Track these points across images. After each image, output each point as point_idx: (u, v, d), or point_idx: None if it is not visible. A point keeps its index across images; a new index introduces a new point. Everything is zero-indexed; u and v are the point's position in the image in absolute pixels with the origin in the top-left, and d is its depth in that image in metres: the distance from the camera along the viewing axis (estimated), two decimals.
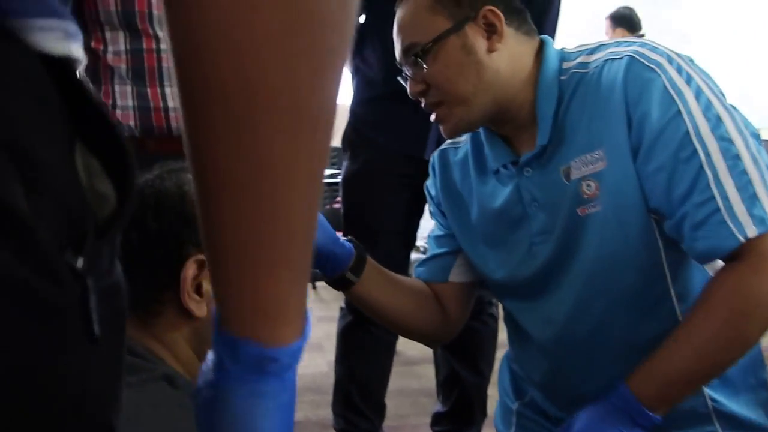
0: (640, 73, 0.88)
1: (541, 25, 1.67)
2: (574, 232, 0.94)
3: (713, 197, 0.82)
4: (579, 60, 0.97)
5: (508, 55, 0.96)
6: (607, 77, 0.91)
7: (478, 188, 1.06)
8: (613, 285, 0.93)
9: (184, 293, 0.76)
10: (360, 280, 1.01)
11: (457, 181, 1.09)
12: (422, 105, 1.00)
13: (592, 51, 0.97)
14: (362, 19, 1.63)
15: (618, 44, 0.95)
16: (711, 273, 0.92)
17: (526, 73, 0.97)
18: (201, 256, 0.76)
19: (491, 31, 0.95)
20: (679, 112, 0.85)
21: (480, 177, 1.06)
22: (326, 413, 1.91)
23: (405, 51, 0.98)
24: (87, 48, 1.42)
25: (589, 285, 0.95)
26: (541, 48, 0.99)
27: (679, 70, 0.88)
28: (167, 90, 1.42)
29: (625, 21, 4.17)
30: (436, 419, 1.86)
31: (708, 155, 0.82)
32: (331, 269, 0.99)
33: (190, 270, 0.76)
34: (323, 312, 3.25)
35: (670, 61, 0.88)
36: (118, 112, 1.42)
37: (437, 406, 1.87)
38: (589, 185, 0.92)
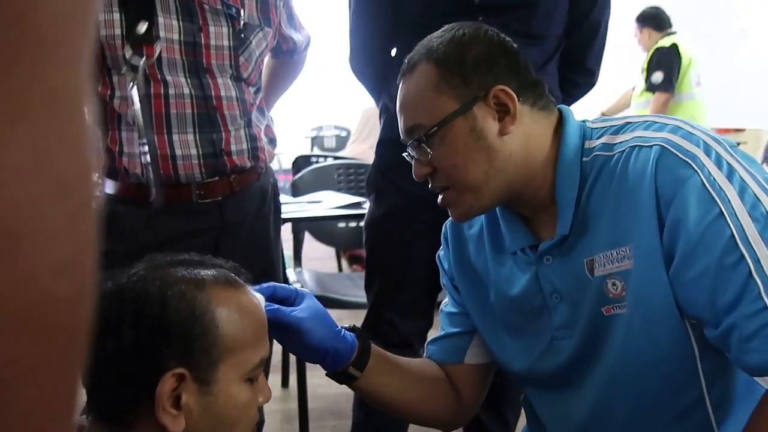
0: (673, 169, 0.79)
1: (585, 56, 1.58)
2: (599, 330, 0.87)
3: (766, 308, 0.74)
4: (603, 140, 0.88)
5: (523, 136, 0.88)
6: (634, 167, 0.83)
7: (495, 270, 0.98)
8: (638, 390, 0.86)
9: (159, 408, 0.71)
10: (363, 374, 0.94)
11: (472, 257, 1.01)
12: (429, 186, 0.92)
13: (617, 130, 0.88)
14: (392, 52, 1.56)
15: (647, 125, 0.86)
16: (762, 383, 0.84)
17: (543, 154, 0.89)
18: (180, 370, 0.71)
19: (503, 112, 0.87)
20: (720, 213, 0.76)
21: (496, 257, 0.98)
22: None
23: (408, 132, 0.91)
24: (94, 93, 1.37)
25: (611, 388, 0.88)
26: (560, 122, 0.91)
27: (719, 162, 0.79)
28: (175, 138, 1.36)
29: (651, 20, 4.01)
30: None
31: (757, 261, 0.74)
32: (331, 364, 0.92)
33: (166, 385, 0.71)
34: None
35: (708, 152, 0.79)
36: (125, 159, 1.37)
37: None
38: (614, 284, 0.84)
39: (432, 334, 1.16)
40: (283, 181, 5.73)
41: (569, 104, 1.68)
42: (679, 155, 0.80)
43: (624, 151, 0.85)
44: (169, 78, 1.35)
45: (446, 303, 1.08)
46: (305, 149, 7.04)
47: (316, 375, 2.69)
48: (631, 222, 0.83)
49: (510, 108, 0.86)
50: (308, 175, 2.66)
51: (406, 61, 0.92)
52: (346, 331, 0.95)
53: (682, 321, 0.82)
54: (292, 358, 2.35)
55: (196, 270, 0.78)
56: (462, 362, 1.04)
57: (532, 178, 0.89)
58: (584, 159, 0.88)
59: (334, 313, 2.32)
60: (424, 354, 1.08)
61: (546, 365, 0.93)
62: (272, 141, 1.58)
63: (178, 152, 1.36)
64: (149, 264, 0.79)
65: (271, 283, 0.91)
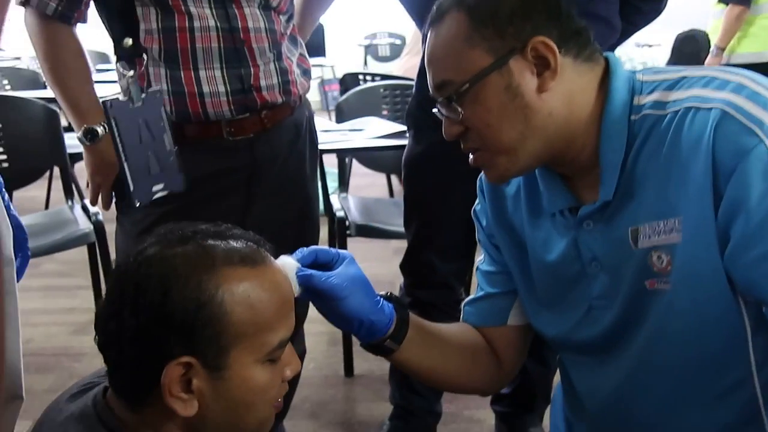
0: (735, 137, 0.70)
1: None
2: (640, 304, 0.80)
3: None
4: (654, 97, 0.78)
5: (564, 92, 0.78)
6: (689, 133, 0.73)
7: (531, 233, 0.91)
8: (676, 368, 0.81)
9: (166, 394, 0.68)
10: (401, 347, 0.89)
11: (511, 215, 0.94)
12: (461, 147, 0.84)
13: (672, 85, 0.78)
14: None
15: (707, 82, 0.75)
16: None
17: (587, 111, 0.80)
18: (185, 359, 0.68)
19: (542, 66, 0.77)
20: None
21: (532, 219, 0.90)
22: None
23: (437, 88, 0.82)
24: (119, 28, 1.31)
25: (647, 363, 0.82)
26: (607, 74, 0.81)
27: None
28: (201, 74, 1.30)
29: None
30: (497, 398, 1.79)
31: None
32: (366, 335, 0.87)
33: (172, 374, 0.68)
34: None
35: None
36: None
37: None
38: (660, 258, 0.77)
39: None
40: (335, 91, 5.61)
41: (631, 33, 1.57)
42: (743, 120, 0.70)
43: (678, 111, 0.76)
44: (193, 9, 1.28)
45: (482, 261, 1.02)
46: (358, 58, 6.88)
47: None
48: (682, 193, 0.75)
49: (550, 62, 0.77)
50: (353, 98, 2.57)
51: (435, 7, 0.83)
52: (384, 301, 0.89)
53: (735, 300, 0.76)
54: None
55: (209, 246, 0.72)
56: (505, 324, 0.98)
57: (574, 138, 0.80)
58: (632, 117, 0.79)
59: (378, 243, 2.29)
60: (461, 316, 1.02)
61: (582, 334, 0.88)
62: (306, 72, 1.50)
63: (205, 89, 1.31)
64: (160, 238, 0.73)
65: (313, 248, 0.85)
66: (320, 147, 1.93)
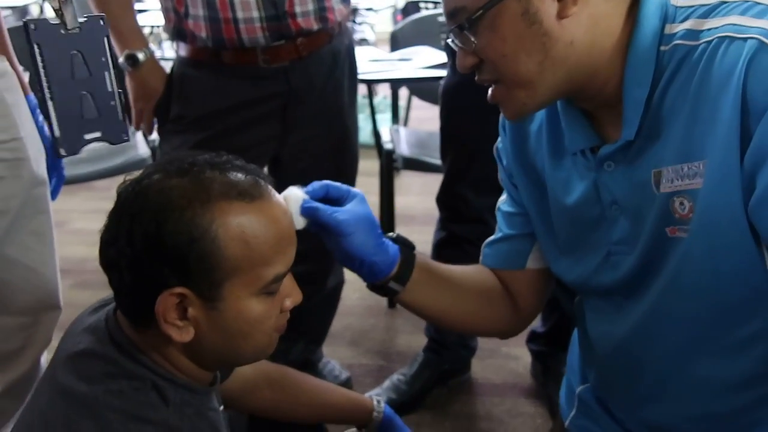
0: None
1: None
2: (660, 251, 0.76)
3: None
4: (687, 25, 0.71)
5: (588, 18, 0.72)
6: (720, 65, 0.67)
7: (551, 173, 0.86)
8: (689, 319, 0.77)
9: (161, 321, 0.70)
10: (406, 288, 0.87)
11: (533, 154, 0.89)
12: (475, 78, 0.80)
13: (708, 12, 0.71)
14: None
15: (747, 8, 0.68)
16: None
17: (613, 40, 0.73)
18: (179, 290, 0.69)
19: None
20: None
21: (553, 159, 0.85)
22: None
23: (450, 15, 0.76)
24: None
25: (661, 312, 0.79)
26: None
27: None
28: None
29: None
30: (532, 337, 1.79)
31: None
32: (368, 275, 0.85)
33: (167, 302, 0.70)
34: None
35: None
36: (190, 22, 1.33)
37: (536, 324, 1.79)
38: (682, 204, 0.72)
39: None
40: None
41: None
42: None
43: (711, 41, 0.68)
44: None
45: (504, 200, 0.98)
46: None
47: (414, 231, 2.79)
48: (710, 133, 0.69)
49: None
50: (409, 27, 2.50)
51: None
52: (390, 242, 0.86)
53: (758, 252, 0.70)
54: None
55: (207, 179, 0.71)
56: (524, 268, 0.94)
57: (597, 69, 0.74)
58: (662, 48, 0.72)
59: (433, 178, 2.27)
60: (480, 258, 0.99)
61: (601, 279, 0.84)
62: None
63: (239, 14, 1.30)
64: (159, 167, 0.73)
65: (325, 183, 0.83)
66: (363, 77, 1.91)
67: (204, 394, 0.80)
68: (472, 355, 1.80)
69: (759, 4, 0.68)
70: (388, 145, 2.15)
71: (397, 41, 2.44)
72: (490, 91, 0.79)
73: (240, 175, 0.73)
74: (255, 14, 1.31)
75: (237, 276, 0.71)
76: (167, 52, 3.77)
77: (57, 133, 0.67)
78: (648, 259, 0.78)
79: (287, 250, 0.75)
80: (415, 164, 2.13)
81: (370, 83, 2.20)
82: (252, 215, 0.71)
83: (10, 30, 1.20)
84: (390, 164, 2.13)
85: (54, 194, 1.32)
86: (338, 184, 0.84)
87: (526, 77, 0.74)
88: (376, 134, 2.25)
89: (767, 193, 0.65)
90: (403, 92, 3.01)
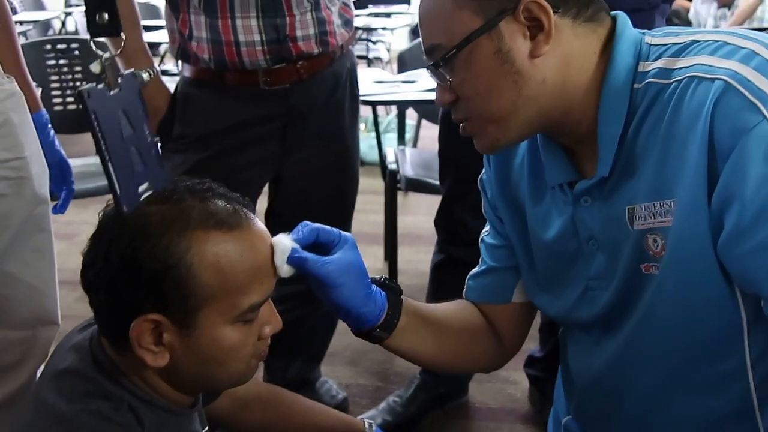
0: (736, 112, 0.63)
1: None
2: (635, 287, 0.76)
3: None
4: (660, 63, 0.72)
5: (560, 57, 0.73)
6: (689, 105, 0.67)
7: (532, 207, 0.86)
8: (665, 356, 0.77)
9: (135, 346, 0.71)
10: (393, 335, 0.86)
11: (515, 186, 0.89)
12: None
13: (680, 51, 0.71)
14: None
15: (716, 48, 0.68)
16: None
17: (586, 78, 0.74)
18: (153, 316, 0.70)
19: (536, 29, 0.71)
20: None
21: (534, 193, 0.86)
22: None
23: (427, 52, 0.77)
24: None
25: (635, 348, 0.79)
26: (613, 36, 0.74)
27: None
28: (238, 22, 1.32)
29: None
30: (530, 361, 1.78)
31: None
32: (355, 324, 0.84)
33: (141, 328, 0.70)
34: None
35: None
36: (194, 44, 1.36)
37: (534, 348, 1.78)
38: (655, 241, 0.72)
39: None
40: None
41: None
42: (747, 94, 0.63)
43: (682, 80, 0.69)
44: None
45: (487, 232, 0.97)
46: None
47: (420, 251, 2.79)
48: (678, 172, 0.69)
49: (544, 23, 0.71)
50: (417, 48, 2.52)
51: None
52: (377, 289, 0.85)
53: (730, 291, 0.70)
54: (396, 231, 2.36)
55: (187, 206, 0.71)
56: (509, 302, 0.94)
57: (571, 107, 0.75)
58: (636, 86, 0.73)
59: (433, 198, 2.28)
60: (464, 290, 0.99)
61: (580, 314, 0.84)
62: (348, 23, 1.49)
63: (241, 38, 1.33)
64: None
65: (315, 227, 0.81)
66: (367, 99, 1.93)
67: (184, 416, 0.81)
68: (469, 379, 1.79)
69: (728, 44, 0.69)
70: (392, 166, 2.17)
71: (404, 62, 2.46)
72: (462, 125, 0.79)
73: (220, 204, 0.74)
74: (257, 38, 1.33)
75: (212, 304, 0.71)
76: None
77: (118, 191, 0.71)
78: (624, 294, 0.78)
79: (264, 280, 0.75)
80: (418, 185, 2.14)
81: (374, 104, 2.22)
82: (229, 244, 0.72)
83: (32, 44, 1.23)
84: (394, 185, 2.14)
85: (63, 208, 1.34)
86: (329, 228, 0.82)
87: (498, 114, 0.75)
88: (381, 154, 2.27)
89: (734, 234, 0.65)
90: (413, 113, 3.03)
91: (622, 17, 0.77)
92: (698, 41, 0.71)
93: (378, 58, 5.13)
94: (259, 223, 0.77)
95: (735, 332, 0.72)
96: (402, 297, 0.88)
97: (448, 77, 0.75)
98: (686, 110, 0.68)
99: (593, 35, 0.75)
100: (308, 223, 0.81)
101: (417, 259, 2.60)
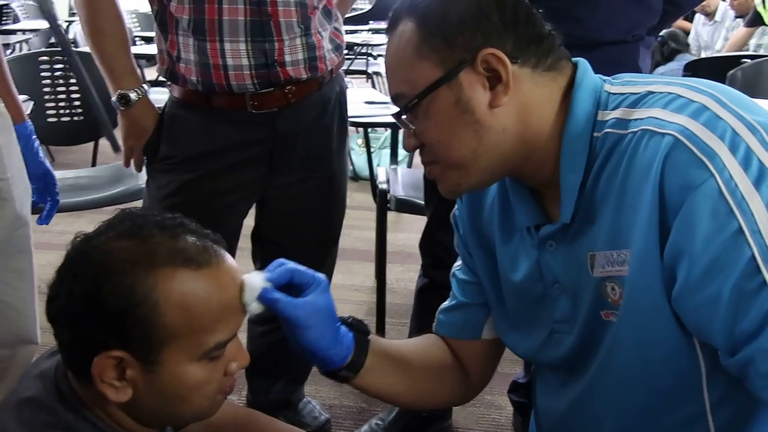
0: (684, 169, 0.64)
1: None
2: (596, 333, 0.77)
3: None
4: (618, 114, 0.73)
5: (520, 106, 0.74)
6: (642, 159, 0.68)
7: (501, 247, 0.87)
8: (625, 401, 0.77)
9: (97, 381, 0.71)
10: (359, 375, 0.87)
11: (486, 225, 0.90)
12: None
13: (636, 102, 0.72)
14: None
15: (669, 101, 0.69)
16: None
17: (548, 125, 0.75)
18: (116, 353, 0.70)
19: (495, 79, 0.73)
20: (740, 230, 0.62)
21: (503, 233, 0.86)
22: None
23: (393, 100, 0.79)
24: None
25: (596, 393, 0.79)
26: (573, 84, 0.75)
27: (747, 161, 0.63)
28: (227, 46, 1.33)
29: None
30: (514, 387, 1.77)
31: None
32: (321, 365, 0.85)
33: (103, 363, 0.70)
34: None
35: (735, 146, 0.63)
36: (182, 66, 1.36)
37: (518, 374, 1.78)
38: (614, 289, 0.73)
39: None
40: None
41: (676, 17, 1.46)
42: (695, 151, 0.64)
43: (636, 133, 0.70)
44: None
45: (459, 267, 0.98)
46: None
47: (411, 269, 2.78)
48: (632, 223, 0.70)
49: (502, 75, 0.72)
50: None
51: (390, 13, 0.79)
52: (345, 329, 0.85)
53: (687, 339, 0.71)
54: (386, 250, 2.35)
55: (155, 243, 0.71)
56: (479, 338, 0.95)
57: (533, 153, 0.76)
58: (595, 134, 0.74)
59: (422, 217, 2.27)
60: (434, 324, 1.00)
61: (546, 356, 0.85)
62: (338, 48, 1.50)
63: (229, 62, 1.33)
64: (111, 226, 0.74)
65: (289, 268, 0.81)
66: (357, 120, 1.94)
67: None
68: (452, 406, 1.79)
69: (680, 97, 0.70)
70: (383, 185, 2.17)
71: None
72: (425, 168, 0.81)
73: (190, 240, 0.73)
74: (245, 62, 1.34)
75: (176, 342, 0.71)
76: None
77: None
78: (586, 339, 0.79)
79: (231, 319, 0.75)
80: (407, 206, 2.14)
81: (365, 126, 2.23)
82: (197, 283, 0.72)
83: (27, 56, 1.24)
84: (384, 204, 2.15)
85: (48, 219, 1.35)
86: (303, 269, 0.82)
87: (460, 161, 0.76)
88: (372, 174, 2.28)
89: (686, 287, 0.66)
90: None
91: (583, 64, 0.78)
92: (653, 92, 0.72)
93: (377, 73, 5.15)
94: (230, 260, 0.77)
95: (694, 378, 0.73)
96: (369, 337, 0.89)
97: (411, 125, 0.77)
98: (639, 163, 0.69)
99: (553, 84, 0.76)
100: (284, 261, 0.82)
101: (407, 277, 2.60)
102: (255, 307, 0.78)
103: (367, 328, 0.89)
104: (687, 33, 4.77)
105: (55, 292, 0.73)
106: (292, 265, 0.82)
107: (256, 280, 0.78)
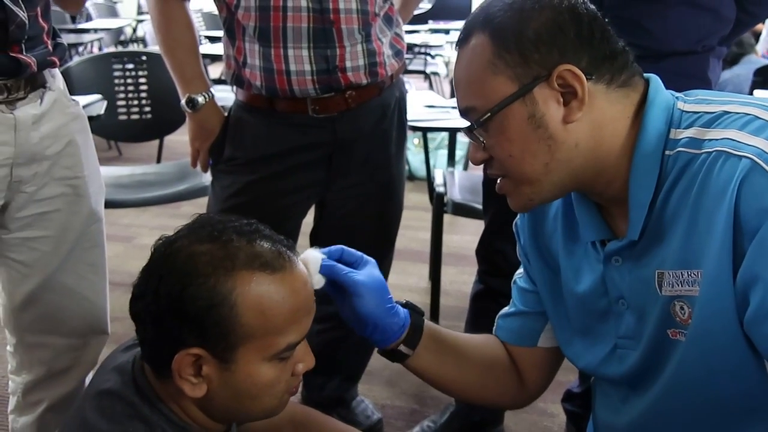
0: (762, 192, 0.64)
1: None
2: (661, 351, 0.77)
3: None
4: (691, 133, 0.72)
5: (593, 122, 0.74)
6: (717, 181, 0.67)
7: (565, 259, 0.87)
8: (691, 419, 0.77)
9: (176, 377, 0.75)
10: (415, 353, 0.90)
11: (548, 237, 0.90)
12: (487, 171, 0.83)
13: (710, 122, 0.71)
14: None
15: (746, 123, 0.68)
16: None
17: (619, 142, 0.75)
18: (195, 350, 0.74)
19: (569, 95, 0.73)
20: None
21: (567, 246, 0.87)
22: None
23: (462, 113, 0.80)
24: (223, 2, 1.40)
25: (662, 409, 0.79)
26: (645, 100, 0.75)
27: None
28: (290, 52, 1.36)
29: None
30: (568, 396, 1.76)
31: None
32: (380, 340, 0.88)
33: (182, 360, 0.74)
34: None
35: None
36: (247, 71, 1.41)
37: (573, 384, 1.76)
38: (683, 309, 0.73)
39: None
40: None
41: (750, 25, 1.42)
42: None
43: (711, 153, 0.69)
44: None
45: (520, 275, 0.99)
46: None
47: (465, 272, 2.78)
48: (705, 244, 0.69)
49: (578, 91, 0.73)
50: None
51: (463, 27, 0.80)
52: (400, 308, 0.89)
53: (756, 358, 0.70)
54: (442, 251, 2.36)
55: (234, 247, 0.75)
56: (534, 346, 0.96)
57: (603, 170, 0.76)
58: (667, 152, 0.73)
59: (475, 223, 2.28)
60: (494, 328, 1.01)
61: (608, 370, 0.85)
62: (398, 53, 1.52)
63: (292, 67, 1.37)
64: (192, 230, 0.78)
65: (340, 246, 0.87)
66: (416, 124, 1.95)
67: None
68: (505, 409, 1.78)
69: (758, 119, 0.68)
70: (440, 188, 2.18)
71: None
72: (498, 182, 0.81)
73: (266, 245, 0.77)
74: (307, 68, 1.37)
75: (250, 342, 0.75)
76: None
77: None
78: (650, 357, 0.78)
79: (303, 321, 0.79)
80: (464, 210, 2.14)
81: (424, 131, 2.24)
82: (272, 286, 0.75)
83: (100, 57, 1.26)
84: (440, 207, 2.15)
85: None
86: (352, 250, 0.88)
87: (532, 176, 0.76)
88: (429, 177, 2.28)
89: (760, 313, 0.65)
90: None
91: (655, 81, 0.77)
92: (729, 113, 0.71)
93: (435, 73, 5.15)
94: (301, 266, 0.81)
95: (762, 399, 0.72)
96: (424, 318, 0.91)
97: (482, 139, 0.77)
98: (714, 185, 0.68)
99: (626, 100, 0.75)
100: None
101: (461, 280, 2.60)
102: (318, 280, 0.83)
103: (421, 309, 0.92)
104: (757, 35, 4.57)
105: (140, 292, 0.77)
106: (341, 245, 0.88)
107: (315, 254, 0.85)
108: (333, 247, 0.87)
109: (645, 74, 0.78)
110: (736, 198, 0.65)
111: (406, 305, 0.91)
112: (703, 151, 0.70)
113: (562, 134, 0.74)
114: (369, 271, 0.86)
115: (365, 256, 0.88)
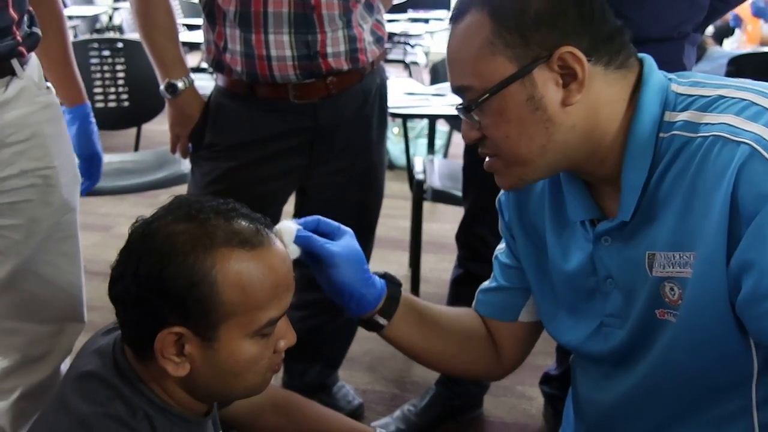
0: (759, 179, 0.65)
1: None
2: (649, 331, 0.78)
3: None
4: (686, 116, 0.72)
5: (591, 105, 0.74)
6: (714, 165, 0.68)
7: (552, 238, 0.88)
8: (675, 396, 0.79)
9: (158, 356, 0.76)
10: (391, 322, 0.91)
11: (533, 214, 0.91)
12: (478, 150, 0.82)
13: (707, 106, 0.72)
14: None
15: (743, 108, 0.69)
16: None
17: (615, 124, 0.75)
18: (177, 329, 0.74)
19: (569, 77, 0.72)
20: None
21: (555, 224, 0.87)
22: None
23: (456, 91, 0.79)
24: None
25: (647, 387, 0.81)
26: (640, 81, 0.75)
27: None
28: (271, 38, 1.36)
29: None
30: (546, 378, 1.79)
31: None
32: (356, 309, 0.90)
33: (165, 339, 0.75)
34: None
35: None
36: (228, 56, 1.40)
37: (550, 367, 1.79)
38: (672, 290, 0.74)
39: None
40: None
41: (723, 12, 1.44)
42: None
43: (707, 138, 0.70)
44: None
45: (501, 250, 0.99)
46: None
47: (445, 259, 2.80)
48: (699, 227, 0.70)
49: (578, 73, 0.72)
50: None
51: (457, 2, 0.79)
52: (377, 278, 0.91)
53: (744, 341, 0.72)
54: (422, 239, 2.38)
55: (212, 226, 0.76)
56: (515, 321, 0.97)
57: (596, 150, 0.76)
58: (661, 135, 0.74)
59: (457, 207, 2.30)
60: (473, 303, 1.02)
61: (592, 348, 0.86)
62: (379, 40, 1.52)
63: (273, 53, 1.36)
64: (170, 211, 0.78)
65: (316, 217, 0.89)
66: (396, 111, 1.96)
67: (197, 424, 0.85)
68: (484, 392, 1.81)
69: (755, 104, 0.69)
70: (419, 176, 2.19)
71: (438, 74, 2.48)
72: (487, 159, 0.81)
73: (244, 223, 0.78)
74: (288, 53, 1.37)
75: (232, 319, 0.75)
76: None
77: None
78: (637, 336, 0.80)
79: (282, 297, 0.79)
80: (443, 197, 2.16)
81: (403, 117, 2.25)
82: (251, 263, 0.76)
83: (78, 43, 1.27)
84: (420, 194, 2.17)
85: (84, 191, 1.39)
86: (328, 220, 0.90)
87: (527, 157, 0.76)
88: (409, 164, 2.30)
89: (753, 297, 0.66)
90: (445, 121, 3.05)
91: (649, 61, 0.78)
92: (725, 97, 0.72)
93: (415, 63, 5.15)
94: (278, 243, 0.81)
95: (745, 377, 0.74)
96: (401, 289, 0.93)
97: (477, 118, 0.77)
98: (711, 169, 0.69)
99: (623, 81, 0.76)
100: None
101: (441, 267, 2.62)
102: (293, 250, 0.84)
103: (398, 280, 0.93)
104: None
105: (119, 273, 0.77)
106: (317, 216, 0.89)
107: (289, 225, 0.86)
108: (309, 218, 0.88)
109: (639, 54, 0.78)
110: (734, 183, 0.66)
111: (384, 276, 0.93)
112: (699, 135, 0.71)
113: (561, 116, 0.74)
114: (346, 241, 0.87)
115: (342, 226, 0.89)
